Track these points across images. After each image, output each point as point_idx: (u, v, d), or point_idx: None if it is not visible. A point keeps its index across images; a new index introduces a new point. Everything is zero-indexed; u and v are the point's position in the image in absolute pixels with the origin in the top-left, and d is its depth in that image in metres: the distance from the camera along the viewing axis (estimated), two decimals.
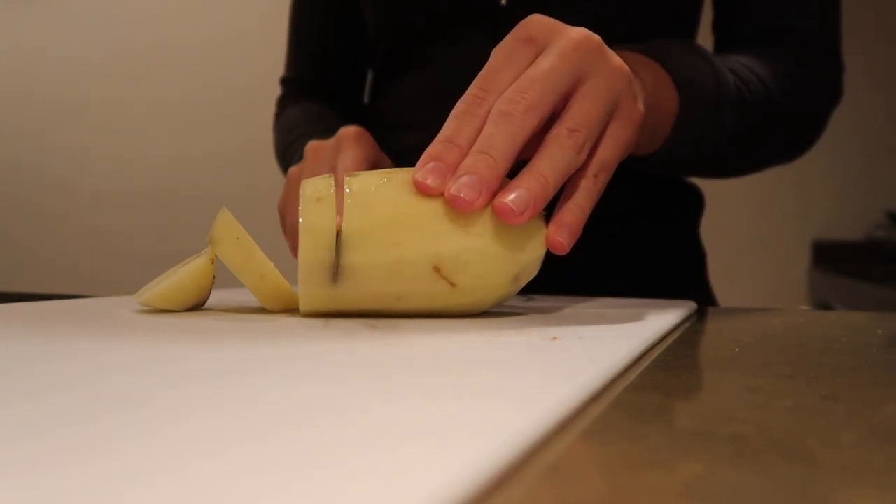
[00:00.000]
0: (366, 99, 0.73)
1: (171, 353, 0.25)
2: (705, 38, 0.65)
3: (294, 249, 0.54)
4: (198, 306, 0.39)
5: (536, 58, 0.36)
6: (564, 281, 0.58)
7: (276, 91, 0.79)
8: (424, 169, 0.34)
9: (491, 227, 0.34)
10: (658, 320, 0.35)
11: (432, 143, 0.35)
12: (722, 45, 0.64)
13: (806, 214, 1.86)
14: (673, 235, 0.66)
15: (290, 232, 0.54)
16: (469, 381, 0.20)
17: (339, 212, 0.35)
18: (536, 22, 0.37)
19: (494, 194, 0.34)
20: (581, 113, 0.35)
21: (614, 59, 0.37)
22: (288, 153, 0.68)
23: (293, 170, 0.55)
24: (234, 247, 0.37)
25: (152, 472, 0.12)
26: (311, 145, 0.54)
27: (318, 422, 0.16)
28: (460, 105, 0.36)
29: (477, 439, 0.14)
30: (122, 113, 2.20)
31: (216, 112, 2.12)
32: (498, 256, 0.34)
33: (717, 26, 0.65)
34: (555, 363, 0.23)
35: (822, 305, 1.64)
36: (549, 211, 0.36)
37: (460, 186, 0.33)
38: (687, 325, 0.40)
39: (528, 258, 0.35)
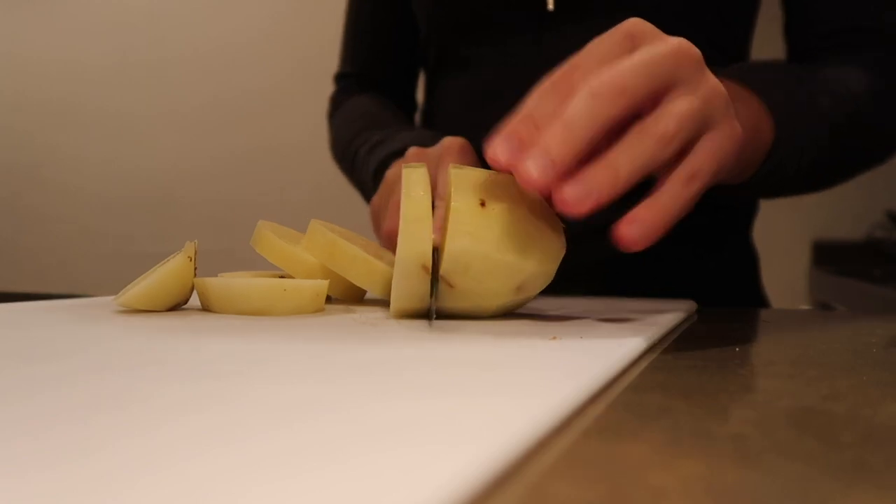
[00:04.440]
0: (422, 97, 0.73)
1: (154, 352, 0.25)
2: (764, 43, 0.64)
3: (388, 249, 0.54)
4: (178, 305, 0.39)
5: (632, 53, 0.34)
6: (623, 283, 0.57)
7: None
8: (496, 142, 0.33)
9: (497, 233, 0.33)
10: (658, 320, 0.35)
11: (511, 118, 0.34)
12: (797, 49, 0.61)
13: (806, 214, 1.86)
14: (728, 240, 0.65)
15: (386, 235, 0.52)
16: (469, 380, 0.20)
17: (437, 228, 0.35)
18: (637, 22, 0.35)
19: (566, 174, 0.31)
20: (674, 109, 0.33)
21: (712, 77, 0.35)
22: (358, 140, 0.67)
23: (391, 172, 0.54)
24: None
25: (144, 471, 0.12)
26: (413, 151, 0.52)
27: (315, 421, 0.16)
28: (545, 82, 0.34)
29: (477, 439, 0.14)
30: (120, 116, 2.20)
31: (214, 116, 2.12)
32: (500, 263, 0.34)
33: (789, 31, 0.62)
34: (555, 363, 0.23)
35: (822, 305, 1.64)
36: (590, 219, 0.33)
37: (529, 164, 0.31)
38: (687, 325, 0.40)
39: (534, 269, 0.34)
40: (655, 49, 0.34)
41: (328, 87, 0.81)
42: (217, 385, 0.19)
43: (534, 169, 0.31)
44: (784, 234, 1.87)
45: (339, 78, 0.79)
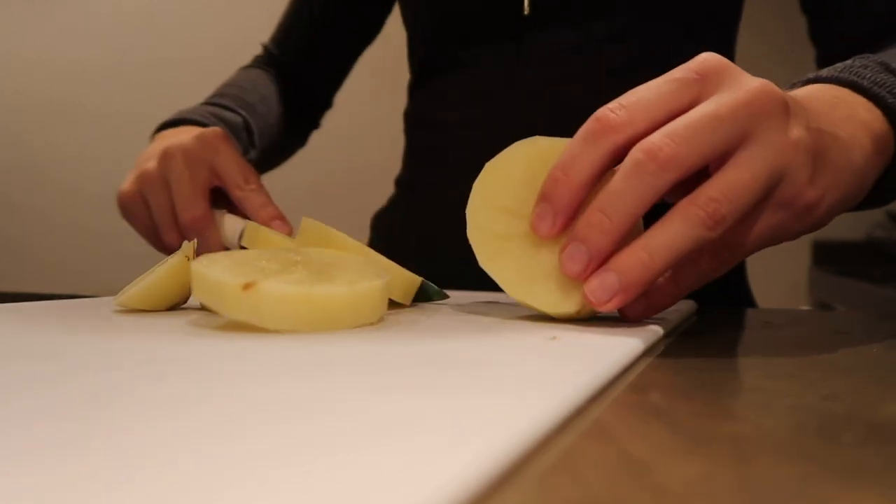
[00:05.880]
0: (406, 100, 0.73)
1: (152, 351, 0.25)
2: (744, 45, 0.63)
3: (155, 244, 0.54)
4: (178, 305, 0.39)
5: (697, 100, 0.30)
6: None
7: None
8: (536, 212, 0.32)
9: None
10: (658, 320, 0.35)
11: (551, 170, 0.32)
12: (828, 49, 0.59)
13: None
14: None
15: (145, 228, 0.53)
16: (469, 380, 0.20)
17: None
18: (712, 60, 0.31)
19: (604, 261, 0.30)
20: (731, 181, 0.29)
21: (794, 128, 0.30)
22: (213, 98, 0.68)
23: (151, 148, 0.54)
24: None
25: (140, 465, 0.12)
26: (171, 146, 0.51)
27: (313, 419, 0.16)
28: (591, 122, 0.31)
29: (477, 439, 0.14)
30: (121, 115, 2.20)
31: None
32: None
33: (816, 32, 0.60)
34: (554, 363, 0.23)
35: (823, 305, 1.64)
36: None
37: (569, 258, 0.31)
38: (687, 325, 0.40)
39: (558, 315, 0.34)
40: (729, 96, 0.29)
41: (364, 81, 0.82)
42: (216, 383, 0.19)
43: (572, 265, 0.30)
44: None
45: (265, 50, 0.79)
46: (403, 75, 0.72)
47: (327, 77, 0.80)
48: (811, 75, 0.40)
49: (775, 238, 0.32)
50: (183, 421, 0.16)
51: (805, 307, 1.81)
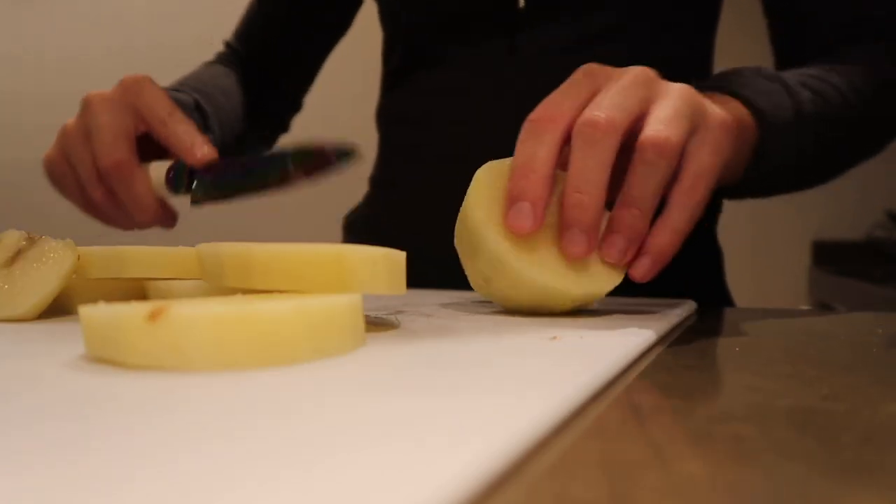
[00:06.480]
0: (379, 95, 0.72)
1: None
2: (725, 45, 0.64)
3: (85, 208, 0.52)
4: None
5: (596, 91, 0.36)
6: None
7: None
8: (512, 213, 0.34)
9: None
10: (658, 320, 0.35)
11: (511, 173, 0.35)
12: (786, 55, 0.60)
13: (806, 214, 1.85)
14: (693, 237, 0.65)
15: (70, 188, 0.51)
16: (469, 380, 0.20)
17: None
18: (592, 64, 0.38)
19: (598, 231, 0.35)
20: (662, 121, 0.35)
21: (674, 84, 0.37)
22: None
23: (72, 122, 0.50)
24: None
25: (138, 466, 0.12)
26: (96, 92, 0.49)
27: (315, 418, 0.16)
28: (528, 124, 0.36)
29: (477, 439, 0.14)
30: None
31: None
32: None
33: (777, 38, 0.61)
34: (555, 363, 0.23)
35: (822, 305, 1.64)
36: None
37: (568, 243, 0.34)
38: (687, 325, 0.40)
39: (583, 294, 0.35)
40: (620, 80, 0.36)
41: (331, 80, 0.80)
42: (216, 381, 0.19)
43: (575, 248, 0.34)
44: (784, 234, 1.87)
45: (227, 46, 0.76)
46: (355, 72, 0.70)
47: (293, 74, 0.77)
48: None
49: (719, 153, 0.37)
50: (183, 421, 0.16)
51: (805, 307, 1.81)
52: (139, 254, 0.35)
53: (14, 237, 0.35)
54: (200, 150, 0.46)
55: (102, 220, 0.53)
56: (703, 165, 0.36)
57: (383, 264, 0.28)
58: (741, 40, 0.61)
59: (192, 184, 0.47)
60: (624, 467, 0.15)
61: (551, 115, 0.35)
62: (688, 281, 0.63)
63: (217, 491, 0.11)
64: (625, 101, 0.35)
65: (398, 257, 0.29)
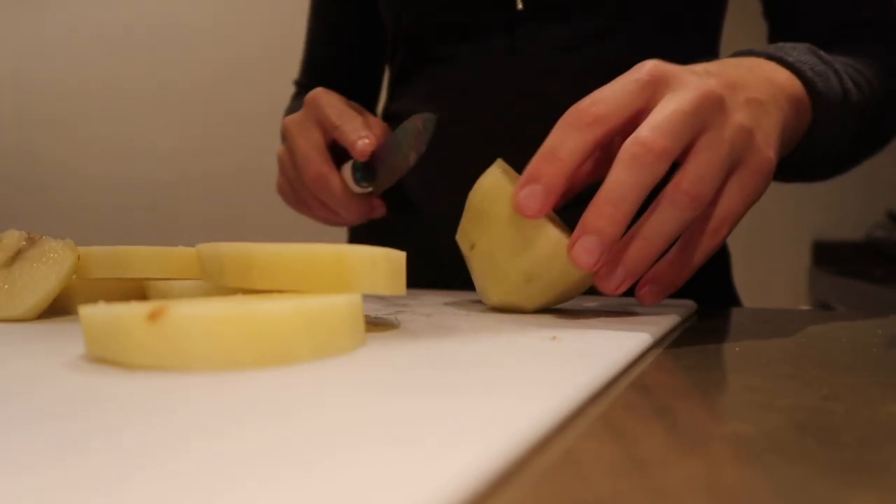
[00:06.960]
0: (382, 99, 0.73)
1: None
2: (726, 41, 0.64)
3: (297, 208, 0.57)
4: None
5: (653, 99, 0.34)
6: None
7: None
8: (524, 192, 0.33)
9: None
10: (658, 320, 0.35)
11: (537, 153, 0.34)
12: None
13: (806, 214, 1.85)
14: None
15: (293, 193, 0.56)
16: (469, 380, 0.20)
17: None
18: (661, 65, 0.36)
19: (612, 248, 0.33)
20: (701, 165, 0.33)
21: (736, 114, 0.35)
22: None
23: (290, 119, 0.56)
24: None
25: (138, 466, 0.12)
26: (289, 117, 0.55)
27: (315, 418, 0.16)
28: (573, 112, 0.34)
29: (477, 439, 0.14)
30: (124, 99, 2.19)
31: (219, 98, 2.11)
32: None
33: (776, 39, 0.61)
34: (555, 363, 0.23)
35: (822, 305, 1.64)
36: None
37: (580, 250, 0.33)
38: (687, 325, 0.40)
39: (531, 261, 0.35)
40: (681, 99, 0.33)
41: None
42: (216, 381, 0.19)
43: (586, 258, 0.32)
44: (784, 234, 1.87)
45: (297, 85, 0.79)
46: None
47: (361, 88, 0.78)
48: (744, 50, 0.45)
49: (751, 198, 0.36)
50: (183, 421, 0.16)
51: (805, 307, 1.81)
52: (139, 254, 0.35)
53: (14, 237, 0.35)
54: (361, 143, 0.50)
55: (333, 225, 0.59)
56: (732, 210, 0.35)
57: (383, 264, 0.28)
58: (741, 40, 0.61)
59: (369, 174, 0.53)
60: (624, 467, 0.15)
61: (600, 113, 0.33)
62: (696, 282, 0.63)
63: (217, 491, 0.11)
64: (682, 130, 0.33)
65: (398, 257, 0.29)
